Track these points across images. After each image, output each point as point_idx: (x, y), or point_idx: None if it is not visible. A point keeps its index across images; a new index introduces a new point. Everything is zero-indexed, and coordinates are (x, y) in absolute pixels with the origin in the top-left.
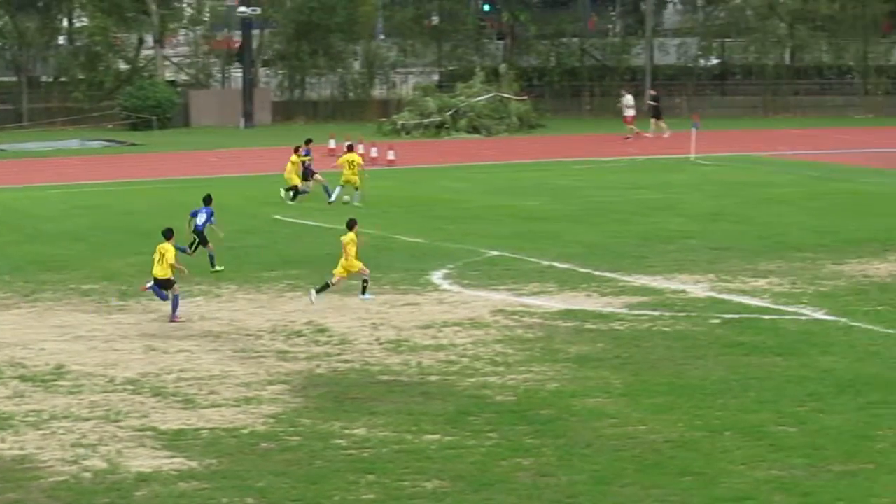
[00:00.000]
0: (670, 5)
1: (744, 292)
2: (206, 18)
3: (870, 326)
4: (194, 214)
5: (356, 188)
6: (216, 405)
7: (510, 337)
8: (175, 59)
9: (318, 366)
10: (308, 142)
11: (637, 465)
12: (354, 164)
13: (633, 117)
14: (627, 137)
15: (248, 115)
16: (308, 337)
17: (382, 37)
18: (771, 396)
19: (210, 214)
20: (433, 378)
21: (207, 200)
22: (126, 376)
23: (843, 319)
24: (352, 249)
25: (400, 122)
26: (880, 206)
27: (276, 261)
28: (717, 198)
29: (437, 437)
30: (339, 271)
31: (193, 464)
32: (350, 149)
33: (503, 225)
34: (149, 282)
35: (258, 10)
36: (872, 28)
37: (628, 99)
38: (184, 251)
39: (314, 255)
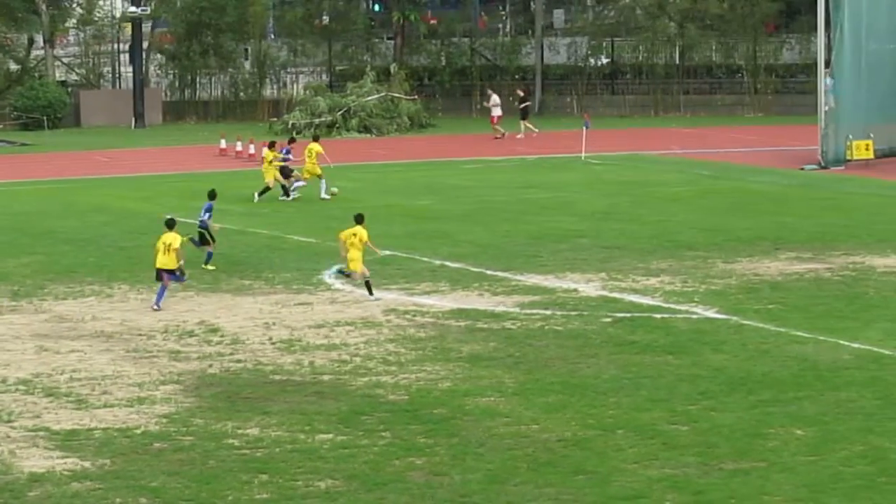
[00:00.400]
0: (560, 5)
1: (635, 291)
2: (97, 18)
3: (761, 325)
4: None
5: (320, 177)
6: (109, 405)
7: (402, 336)
8: (65, 59)
9: (210, 366)
10: (291, 141)
11: (530, 464)
12: (313, 153)
13: (500, 117)
14: (497, 137)
15: (139, 116)
16: (200, 337)
17: (273, 36)
18: (663, 395)
19: (208, 209)
20: (326, 378)
21: (212, 196)
22: (18, 377)
23: (735, 318)
24: (359, 244)
25: (291, 122)
26: (771, 204)
27: None
28: (608, 197)
29: (330, 436)
30: (354, 265)
31: (86, 464)
32: (315, 139)
33: (395, 224)
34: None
35: (148, 10)
36: (761, 27)
37: (495, 99)
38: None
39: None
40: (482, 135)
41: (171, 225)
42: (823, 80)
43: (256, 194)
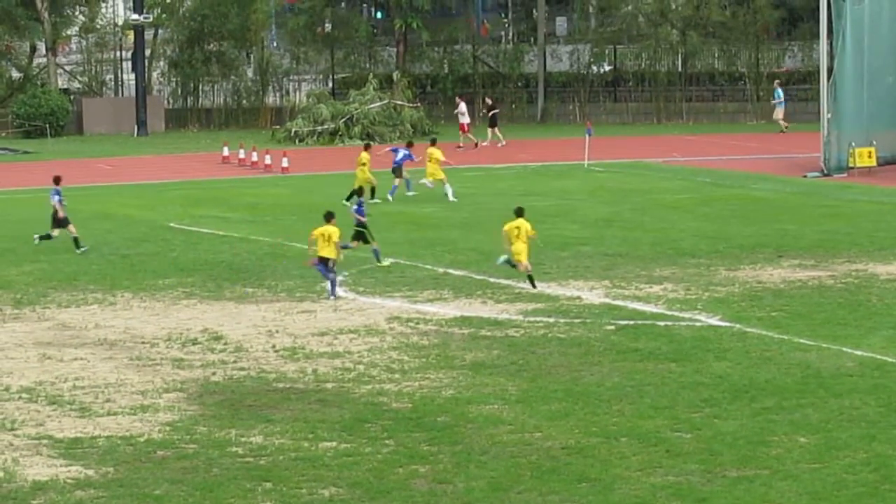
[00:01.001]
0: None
1: (638, 298)
2: (99, 26)
3: (764, 332)
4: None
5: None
6: (112, 413)
7: (406, 344)
8: (68, 67)
9: (213, 373)
10: (409, 145)
11: (534, 472)
12: (433, 157)
13: (469, 125)
14: (459, 147)
15: (142, 123)
16: (204, 345)
17: (275, 44)
18: (666, 402)
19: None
20: (329, 385)
21: (359, 192)
22: (21, 384)
23: (738, 325)
24: (524, 236)
25: (293, 130)
26: (773, 212)
27: (170, 269)
28: (610, 204)
29: (333, 444)
30: (520, 257)
31: (90, 472)
32: (433, 143)
33: (398, 232)
34: (315, 260)
35: (150, 18)
36: (763, 35)
37: (462, 107)
38: (346, 247)
39: (209, 263)
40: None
41: (329, 218)
42: (776, 91)
43: (345, 200)
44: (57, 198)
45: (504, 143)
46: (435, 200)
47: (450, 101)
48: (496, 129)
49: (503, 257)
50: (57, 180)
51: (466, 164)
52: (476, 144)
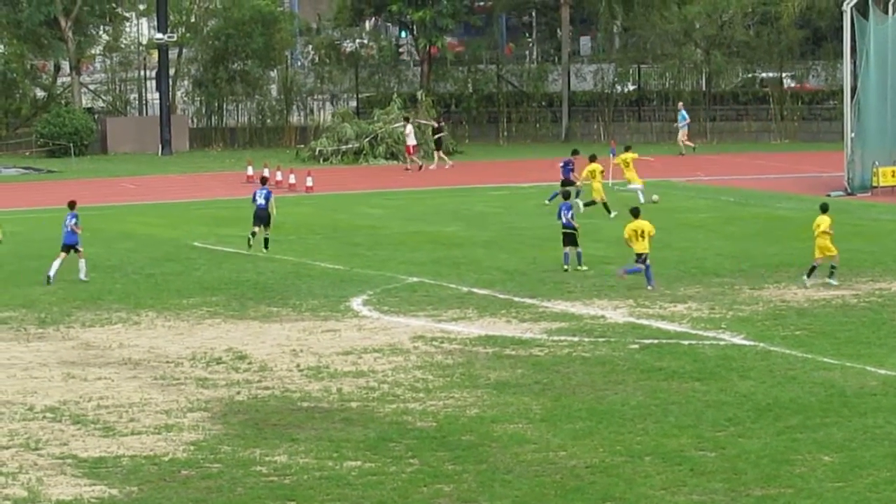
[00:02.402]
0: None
1: (662, 318)
2: (123, 45)
3: (788, 351)
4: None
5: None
6: (136, 433)
7: (430, 363)
8: (92, 86)
9: (238, 393)
10: (574, 152)
11: (558, 491)
12: (629, 161)
13: (416, 147)
14: (407, 168)
15: (166, 143)
16: (228, 364)
17: (300, 63)
18: (690, 421)
19: (568, 208)
20: (354, 404)
21: (566, 195)
22: (45, 404)
23: (762, 344)
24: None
25: (318, 149)
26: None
27: (195, 288)
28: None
29: (357, 463)
30: (820, 253)
31: (114, 491)
32: (627, 149)
33: (422, 251)
34: (623, 270)
35: (174, 37)
36: (787, 54)
37: (409, 128)
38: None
39: (233, 282)
40: (509, 161)
41: (636, 214)
42: (681, 113)
43: (581, 206)
44: (73, 220)
45: (450, 164)
46: (459, 219)
47: (474, 121)
48: (441, 152)
49: (628, 268)
50: (72, 205)
51: (442, 185)
52: (420, 167)
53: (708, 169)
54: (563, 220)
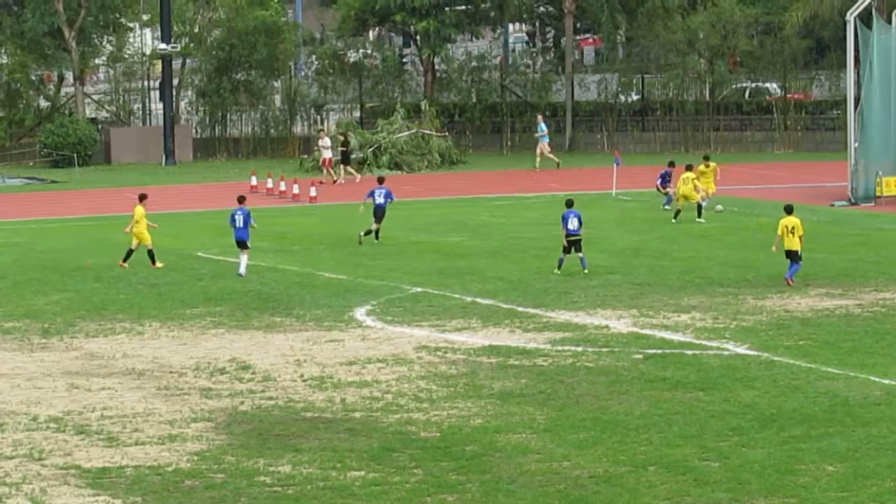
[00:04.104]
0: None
1: (666, 327)
2: (126, 55)
3: (792, 361)
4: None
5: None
6: (140, 443)
7: (434, 373)
8: (95, 96)
9: (241, 403)
10: (671, 164)
11: (562, 501)
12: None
13: (331, 160)
14: (321, 182)
15: (170, 153)
16: (232, 374)
17: (303, 73)
18: (694, 431)
19: (579, 217)
20: (357, 414)
21: (570, 204)
22: (49, 414)
23: (766, 354)
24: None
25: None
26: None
27: (198, 298)
28: (638, 233)
29: (361, 473)
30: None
31: (118, 501)
32: (706, 158)
33: (426, 261)
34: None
35: (178, 47)
36: (791, 64)
37: (325, 141)
38: None
39: (237, 292)
40: (513, 171)
41: (790, 210)
42: (540, 126)
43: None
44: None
45: (358, 178)
46: (463, 229)
47: (477, 131)
48: (349, 167)
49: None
50: (241, 200)
51: (495, 194)
52: (334, 181)
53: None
54: (570, 227)
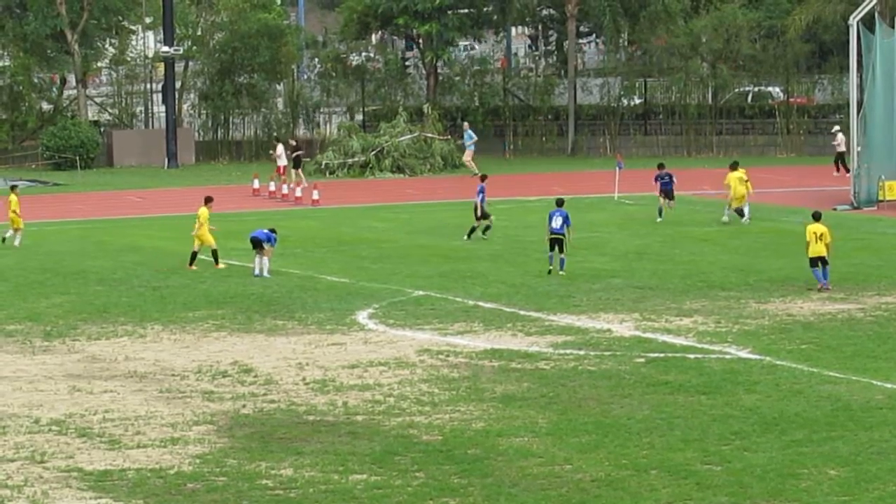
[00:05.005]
0: (592, 45)
1: (668, 331)
2: (129, 58)
3: (794, 365)
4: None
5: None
6: (142, 446)
7: (436, 376)
8: (98, 99)
9: (244, 406)
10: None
11: None
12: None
13: (286, 167)
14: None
15: (172, 156)
16: (234, 377)
17: (306, 76)
18: (696, 435)
19: (565, 217)
20: (359, 418)
21: (560, 203)
22: (51, 417)
23: (768, 358)
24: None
25: (324, 162)
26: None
27: (201, 301)
28: (641, 237)
29: (363, 476)
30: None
31: None
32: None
33: (428, 265)
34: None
35: (180, 50)
36: (794, 68)
37: (280, 149)
38: None
39: (239, 295)
40: (515, 175)
41: (817, 217)
42: (467, 133)
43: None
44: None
45: (306, 184)
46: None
47: (480, 134)
48: (300, 171)
49: (822, 279)
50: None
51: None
52: (287, 186)
53: (714, 183)
54: (553, 225)
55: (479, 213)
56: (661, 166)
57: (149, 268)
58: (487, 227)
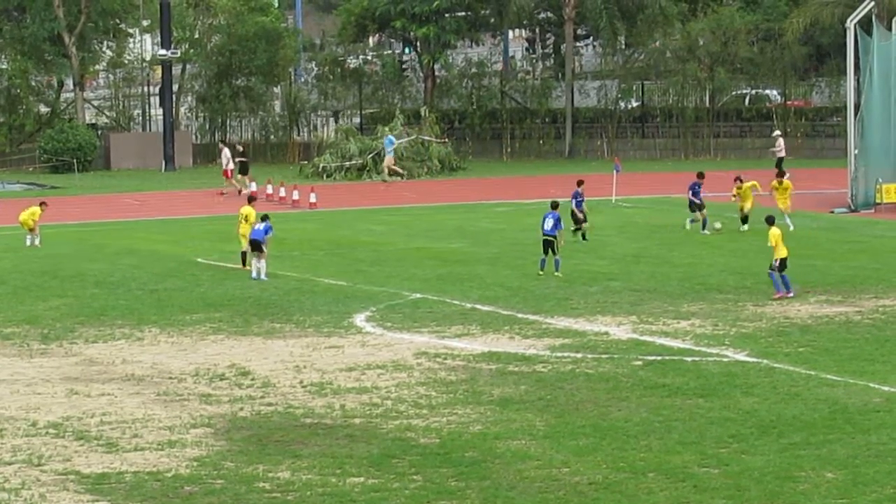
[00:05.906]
0: (590, 48)
1: (666, 334)
2: (126, 61)
3: (791, 368)
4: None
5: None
6: (139, 448)
7: (433, 379)
8: (95, 102)
9: (241, 409)
10: (700, 175)
11: None
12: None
13: (232, 171)
14: (223, 193)
15: (169, 158)
16: (231, 380)
17: (303, 79)
18: (694, 438)
19: (557, 219)
20: (357, 421)
21: (554, 206)
22: (48, 420)
23: (765, 361)
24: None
25: (321, 165)
26: (800, 248)
27: (198, 304)
28: (638, 240)
29: (361, 479)
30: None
31: None
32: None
33: (425, 267)
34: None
35: (178, 53)
36: (791, 71)
37: (226, 153)
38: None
39: (237, 298)
40: (513, 178)
41: (772, 221)
42: (388, 138)
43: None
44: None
45: (247, 190)
46: (463, 236)
47: (477, 137)
48: (247, 177)
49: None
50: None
51: (495, 200)
52: (239, 191)
53: (711, 185)
54: (545, 227)
55: (580, 216)
56: (700, 175)
57: (146, 271)
58: (578, 230)
